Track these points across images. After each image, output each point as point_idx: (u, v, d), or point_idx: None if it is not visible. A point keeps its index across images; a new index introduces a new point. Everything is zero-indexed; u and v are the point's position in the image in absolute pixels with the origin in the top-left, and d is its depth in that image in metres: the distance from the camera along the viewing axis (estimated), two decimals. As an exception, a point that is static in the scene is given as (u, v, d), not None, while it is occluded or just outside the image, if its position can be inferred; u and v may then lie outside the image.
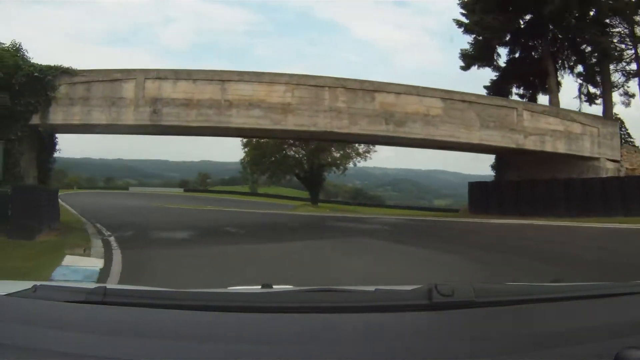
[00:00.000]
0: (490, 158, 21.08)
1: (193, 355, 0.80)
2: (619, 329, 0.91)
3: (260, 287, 1.43)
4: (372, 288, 1.07)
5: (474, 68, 21.44)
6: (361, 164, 33.43)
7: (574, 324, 0.96)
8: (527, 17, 20.47)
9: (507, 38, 20.92)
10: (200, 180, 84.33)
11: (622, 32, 19.41)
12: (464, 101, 15.41)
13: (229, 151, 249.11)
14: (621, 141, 18.16)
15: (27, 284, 1.10)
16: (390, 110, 14.57)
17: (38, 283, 1.09)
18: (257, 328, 0.90)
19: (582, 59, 20.68)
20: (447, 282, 1.00)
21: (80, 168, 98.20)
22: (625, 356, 0.72)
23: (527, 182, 17.65)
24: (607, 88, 19.61)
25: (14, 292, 1.07)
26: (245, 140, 30.03)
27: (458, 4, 20.68)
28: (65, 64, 12.85)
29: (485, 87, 21.57)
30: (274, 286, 1.43)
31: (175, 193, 62.70)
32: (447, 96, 15.25)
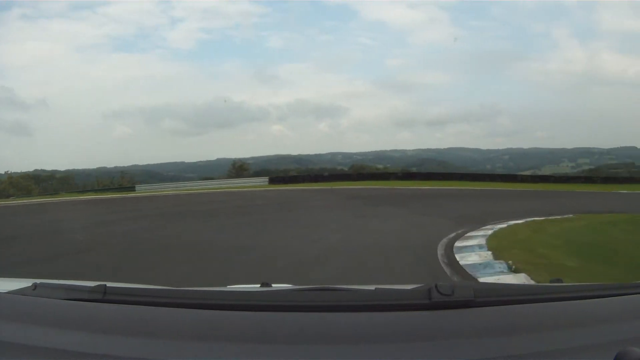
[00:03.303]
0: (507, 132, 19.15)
1: (193, 353, 0.79)
2: (619, 329, 0.90)
3: (259, 285, 1.43)
4: (372, 287, 1.05)
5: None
6: (379, 147, 25.66)
7: (574, 324, 0.94)
8: None
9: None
10: (235, 170, 48.42)
11: None
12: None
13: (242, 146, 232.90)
14: None
15: (27, 282, 1.11)
16: None
17: (38, 281, 1.10)
18: (256, 326, 0.89)
19: None
20: (447, 282, 0.98)
21: (92, 177, 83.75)
22: (626, 356, 0.70)
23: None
24: None
25: (14, 290, 1.08)
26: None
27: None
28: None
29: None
30: (273, 285, 1.43)
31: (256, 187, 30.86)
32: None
